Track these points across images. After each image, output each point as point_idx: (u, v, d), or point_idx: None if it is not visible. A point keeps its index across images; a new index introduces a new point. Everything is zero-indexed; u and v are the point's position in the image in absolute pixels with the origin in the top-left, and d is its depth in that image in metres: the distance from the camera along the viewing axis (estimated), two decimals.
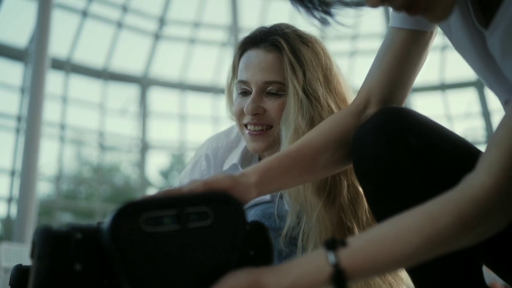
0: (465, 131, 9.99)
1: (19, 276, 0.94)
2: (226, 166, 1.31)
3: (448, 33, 0.84)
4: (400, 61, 0.92)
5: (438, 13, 0.64)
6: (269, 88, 1.17)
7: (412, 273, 0.84)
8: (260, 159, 1.32)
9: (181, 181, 1.40)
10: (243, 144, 1.33)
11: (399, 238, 0.61)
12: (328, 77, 1.16)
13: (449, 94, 9.32)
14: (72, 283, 0.57)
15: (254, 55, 1.19)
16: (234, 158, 1.31)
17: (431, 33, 0.92)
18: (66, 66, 9.03)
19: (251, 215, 1.25)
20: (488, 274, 0.95)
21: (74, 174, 12.00)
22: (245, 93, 1.20)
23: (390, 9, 0.85)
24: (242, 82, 1.19)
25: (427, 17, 0.65)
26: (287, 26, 1.21)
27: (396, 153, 0.81)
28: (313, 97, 1.11)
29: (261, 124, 1.18)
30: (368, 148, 0.83)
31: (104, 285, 0.59)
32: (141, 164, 10.16)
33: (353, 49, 9.81)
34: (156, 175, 12.52)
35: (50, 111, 8.25)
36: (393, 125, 0.82)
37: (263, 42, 1.19)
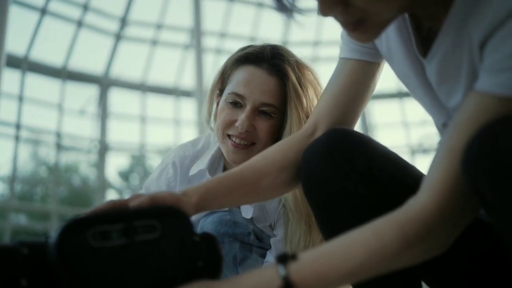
0: (421, 138, 10.32)
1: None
2: (193, 171, 1.35)
3: (390, 61, 0.89)
4: (348, 90, 0.96)
5: (370, 34, 0.69)
6: (263, 108, 1.20)
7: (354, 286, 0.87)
8: (225, 169, 1.35)
9: (146, 188, 1.42)
10: (210, 152, 1.36)
11: (345, 254, 0.65)
12: None
13: (406, 102, 9.58)
14: None
15: (256, 74, 1.23)
16: (201, 164, 1.34)
17: (378, 64, 0.97)
18: (23, 64, 8.79)
19: (208, 222, 1.28)
20: None
21: (30, 174, 11.68)
22: (235, 104, 1.23)
23: (340, 41, 0.89)
24: (238, 95, 1.23)
25: (359, 34, 0.70)
26: (289, 54, 1.27)
27: (341, 174, 0.84)
28: None
29: (247, 140, 1.21)
30: (314, 170, 0.86)
31: None
32: (99, 165, 9.98)
33: (315, 56, 9.95)
34: (115, 176, 12.33)
35: (4, 110, 8.02)
36: (338, 145, 0.85)
37: (266, 63, 1.23)
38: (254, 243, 1.28)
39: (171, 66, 10.48)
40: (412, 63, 0.82)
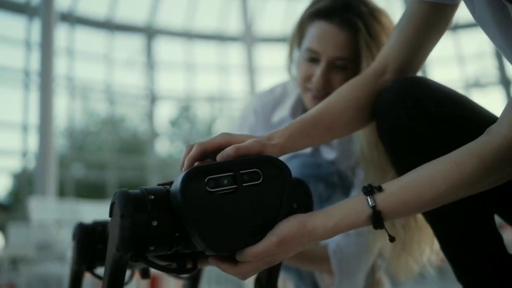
0: (477, 72, 9.98)
1: (83, 232, 1.03)
2: (275, 118, 1.39)
3: (471, 9, 0.85)
4: (420, 33, 0.94)
5: None
6: (337, 62, 1.22)
7: (432, 222, 0.91)
8: (304, 111, 1.39)
9: None
10: (290, 99, 1.40)
11: (428, 184, 0.71)
12: None
13: (460, 34, 9.22)
14: (150, 237, 0.68)
15: (327, 29, 1.24)
16: (284, 111, 1.39)
17: (454, 6, 0.93)
18: (71, 19, 8.89)
19: (293, 165, 1.34)
20: None
21: (83, 127, 12.07)
22: (313, 60, 1.25)
23: None
24: (313, 51, 1.25)
25: None
26: (361, 3, 1.25)
27: (415, 122, 0.86)
28: None
29: (325, 92, 1.24)
30: (387, 117, 0.89)
31: (175, 237, 0.70)
32: (150, 115, 10.20)
33: None
34: (164, 124, 12.59)
35: (57, 65, 8.21)
36: (411, 94, 0.87)
37: (337, 17, 1.24)
38: (338, 182, 1.32)
39: (214, 11, 10.38)
40: (494, 9, 0.79)
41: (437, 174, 0.71)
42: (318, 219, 0.71)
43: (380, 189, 0.71)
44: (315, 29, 1.26)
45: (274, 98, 1.45)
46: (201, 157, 0.75)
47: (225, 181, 0.70)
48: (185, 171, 0.69)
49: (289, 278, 1.47)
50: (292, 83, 1.46)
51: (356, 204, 0.71)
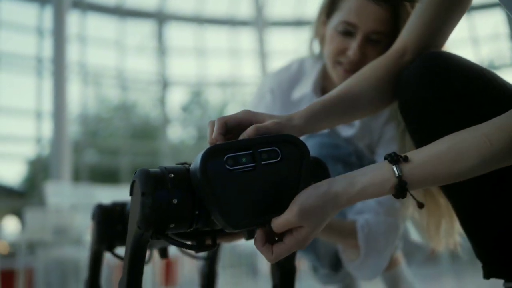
0: (491, 53, 9.83)
1: (102, 213, 1.05)
2: (296, 95, 1.39)
3: None
4: (441, 14, 0.94)
5: None
6: (372, 36, 1.21)
7: (452, 198, 0.91)
8: (324, 90, 1.38)
9: None
10: (311, 75, 1.39)
11: (457, 158, 0.69)
12: None
13: (475, 16, 9.07)
14: (170, 213, 0.69)
15: (366, 3, 1.22)
16: (305, 87, 1.37)
17: None
18: (82, 5, 8.90)
19: (310, 146, 1.33)
20: None
21: (96, 113, 12.13)
22: (347, 33, 1.24)
23: None
24: (349, 24, 1.23)
25: None
26: None
27: (437, 95, 0.85)
28: None
29: (357, 66, 1.23)
30: (413, 91, 0.88)
31: (195, 215, 0.71)
32: (161, 100, 10.22)
33: None
34: (176, 110, 12.61)
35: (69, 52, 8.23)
36: (437, 69, 0.86)
37: None
38: (356, 162, 1.32)
39: None
40: None
41: (468, 148, 0.69)
42: (340, 185, 0.70)
43: (406, 159, 0.70)
44: (354, 2, 1.24)
45: (291, 75, 1.44)
46: (224, 130, 0.76)
47: (244, 159, 0.71)
48: (204, 149, 0.70)
49: (306, 259, 1.48)
50: (310, 60, 1.45)
51: (381, 173, 0.70)
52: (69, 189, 4.76)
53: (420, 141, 0.90)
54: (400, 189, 0.69)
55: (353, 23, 1.22)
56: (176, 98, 14.23)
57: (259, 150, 0.72)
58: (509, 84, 0.89)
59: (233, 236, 0.94)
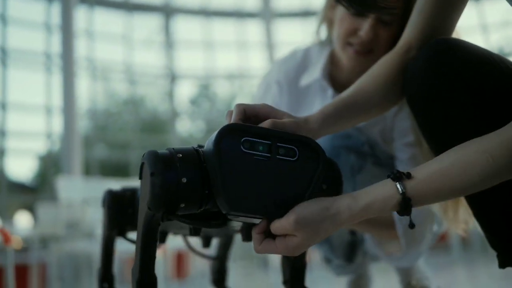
0: (501, 40, 9.71)
1: (113, 198, 1.05)
2: (304, 82, 1.38)
3: None
4: (441, 9, 0.93)
5: None
6: (384, 17, 1.20)
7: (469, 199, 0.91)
8: (331, 76, 1.37)
9: None
10: (319, 62, 1.38)
11: (460, 174, 0.70)
12: None
13: (484, 3, 8.96)
14: (180, 193, 0.69)
15: None
16: (314, 74, 1.36)
17: None
18: (89, 0, 8.91)
19: (322, 137, 1.33)
20: None
21: (105, 107, 12.18)
22: (359, 14, 1.22)
23: None
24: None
25: None
26: None
27: (446, 83, 0.84)
28: None
29: (368, 47, 1.23)
30: (420, 81, 0.88)
31: (205, 194, 0.71)
32: (170, 94, 10.22)
33: None
34: (185, 103, 12.62)
35: (77, 47, 8.25)
36: (443, 57, 0.85)
37: None
38: (368, 152, 1.31)
39: None
40: None
41: (470, 164, 0.69)
42: (344, 202, 0.70)
43: (409, 176, 0.71)
44: None
45: (297, 63, 1.43)
46: (243, 116, 0.76)
47: (261, 147, 0.70)
48: (225, 125, 0.70)
49: (320, 250, 1.48)
50: (316, 47, 1.44)
51: (384, 190, 0.71)
52: (80, 184, 4.79)
53: (428, 136, 0.90)
54: (405, 206, 0.70)
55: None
56: (184, 91, 14.26)
57: (278, 144, 0.71)
58: None
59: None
